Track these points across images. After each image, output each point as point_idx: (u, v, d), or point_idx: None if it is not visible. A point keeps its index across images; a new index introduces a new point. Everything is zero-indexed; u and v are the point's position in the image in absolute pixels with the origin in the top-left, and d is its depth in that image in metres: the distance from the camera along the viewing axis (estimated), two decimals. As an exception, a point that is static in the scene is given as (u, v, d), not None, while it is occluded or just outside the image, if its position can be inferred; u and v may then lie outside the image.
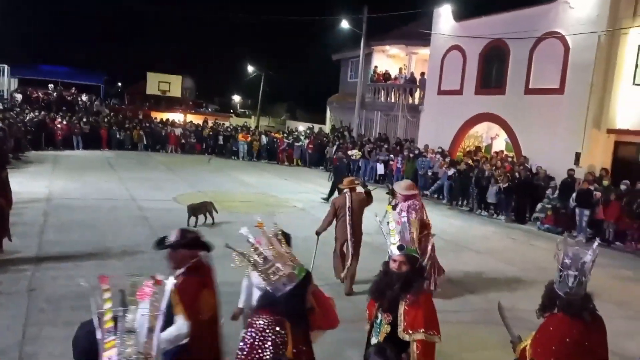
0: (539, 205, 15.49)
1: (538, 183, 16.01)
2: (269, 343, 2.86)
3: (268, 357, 2.83)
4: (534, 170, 16.62)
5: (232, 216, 13.17)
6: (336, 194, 13.25)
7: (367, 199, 8.08)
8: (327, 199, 15.52)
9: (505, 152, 19.33)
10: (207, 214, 11.51)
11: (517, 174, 16.13)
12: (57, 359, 5.27)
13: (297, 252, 9.70)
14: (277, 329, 2.90)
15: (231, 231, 11.63)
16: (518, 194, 15.77)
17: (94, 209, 12.57)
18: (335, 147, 24.72)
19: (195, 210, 11.32)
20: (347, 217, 7.80)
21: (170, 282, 2.92)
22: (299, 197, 16.57)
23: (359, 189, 8.25)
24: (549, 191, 15.42)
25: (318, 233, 8.16)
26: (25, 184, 15.04)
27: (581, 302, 3.39)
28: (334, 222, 8.12)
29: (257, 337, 2.89)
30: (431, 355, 3.50)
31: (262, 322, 2.92)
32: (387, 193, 9.22)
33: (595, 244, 3.52)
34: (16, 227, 9.76)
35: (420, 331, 3.43)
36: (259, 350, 2.85)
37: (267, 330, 2.89)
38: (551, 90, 17.24)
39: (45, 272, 7.87)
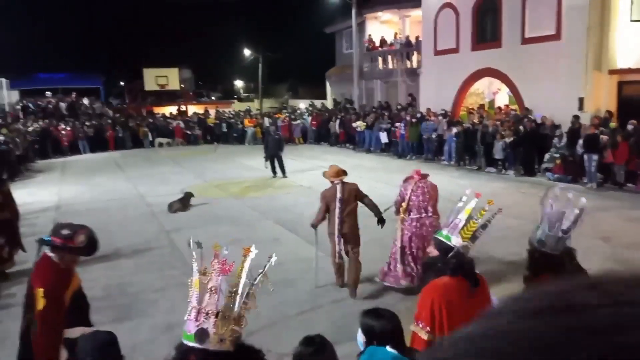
0: (546, 156, 15.31)
1: (544, 133, 15.81)
2: None
3: None
4: (538, 121, 16.39)
5: (237, 202, 13.27)
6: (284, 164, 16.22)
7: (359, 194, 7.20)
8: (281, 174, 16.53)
9: (509, 106, 19.09)
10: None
11: (521, 127, 15.93)
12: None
13: (305, 231, 9.52)
14: None
15: (238, 217, 11.74)
16: (525, 146, 15.60)
17: (102, 210, 12.71)
18: (338, 121, 24.63)
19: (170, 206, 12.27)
20: (337, 211, 6.99)
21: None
22: (305, 175, 16.58)
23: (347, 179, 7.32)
24: (555, 140, 15.23)
25: (313, 226, 7.38)
26: (35, 193, 15.25)
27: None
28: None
29: None
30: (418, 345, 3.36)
31: None
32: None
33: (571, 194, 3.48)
34: (28, 237, 9.90)
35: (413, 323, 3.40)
36: None
37: None
38: (548, 37, 16.89)
39: (57, 278, 8.00)
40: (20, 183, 17.36)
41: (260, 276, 2.35)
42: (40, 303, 3.68)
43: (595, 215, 10.63)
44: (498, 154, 16.14)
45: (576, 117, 15.19)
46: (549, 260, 3.33)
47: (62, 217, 12.36)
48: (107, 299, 7.07)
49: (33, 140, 24.12)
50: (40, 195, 14.94)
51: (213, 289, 2.23)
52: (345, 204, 7.02)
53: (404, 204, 7.06)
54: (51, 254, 3.91)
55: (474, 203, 3.63)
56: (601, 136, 13.75)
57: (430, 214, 7.01)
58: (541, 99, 17.05)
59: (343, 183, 7.12)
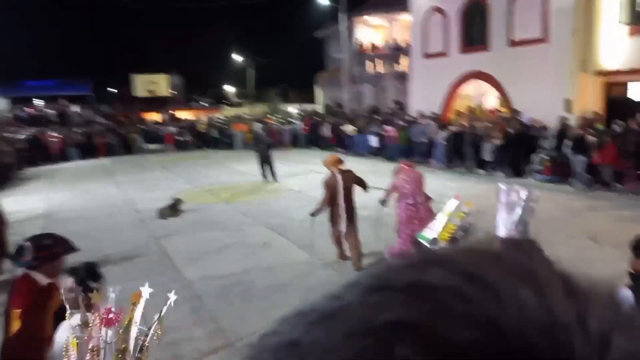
0: (535, 157, 15.41)
1: (532, 135, 15.90)
2: None
3: None
4: (527, 123, 16.49)
5: (228, 207, 13.24)
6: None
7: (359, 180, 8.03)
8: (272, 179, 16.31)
9: (497, 108, 19.21)
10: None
11: (510, 129, 16.02)
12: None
13: (295, 235, 9.83)
14: None
15: (228, 222, 11.69)
16: (513, 148, 15.69)
17: (91, 218, 12.62)
18: (328, 126, 24.68)
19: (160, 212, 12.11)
20: (342, 198, 7.63)
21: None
22: (296, 179, 16.57)
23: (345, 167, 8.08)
24: (543, 141, 15.33)
25: (313, 215, 7.89)
26: (23, 201, 15.12)
27: None
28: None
29: None
30: None
31: None
32: None
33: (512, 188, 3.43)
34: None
35: None
36: None
37: None
38: (535, 40, 17.05)
39: (45, 287, 7.94)
40: (9, 191, 17.23)
41: (155, 324, 1.89)
42: (15, 325, 3.53)
43: (584, 215, 10.73)
44: (487, 156, 16.22)
45: (564, 119, 15.31)
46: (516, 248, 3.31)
47: (51, 224, 12.27)
48: (95, 306, 7.03)
49: (22, 148, 23.96)
50: (29, 203, 14.81)
51: (94, 348, 1.81)
52: (347, 190, 7.75)
53: (397, 194, 7.69)
54: (29, 272, 3.70)
55: (453, 205, 3.63)
56: (588, 137, 13.87)
57: (423, 201, 7.58)
58: (529, 101, 17.17)
59: (341, 171, 7.82)
